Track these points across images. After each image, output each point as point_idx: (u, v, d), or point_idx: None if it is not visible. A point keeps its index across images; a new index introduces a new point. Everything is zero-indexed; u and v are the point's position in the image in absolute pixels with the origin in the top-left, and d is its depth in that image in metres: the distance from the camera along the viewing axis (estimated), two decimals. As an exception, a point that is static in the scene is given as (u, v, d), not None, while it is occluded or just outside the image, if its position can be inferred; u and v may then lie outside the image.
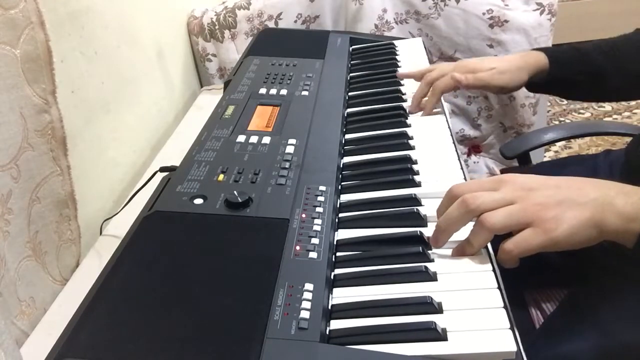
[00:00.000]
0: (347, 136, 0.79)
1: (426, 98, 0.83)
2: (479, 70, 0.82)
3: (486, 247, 0.55)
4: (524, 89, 0.87)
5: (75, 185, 0.74)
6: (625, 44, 0.83)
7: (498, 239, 0.52)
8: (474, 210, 0.52)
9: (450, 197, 0.55)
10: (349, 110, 0.87)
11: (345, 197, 0.66)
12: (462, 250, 0.54)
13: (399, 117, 0.82)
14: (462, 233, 0.54)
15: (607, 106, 2.31)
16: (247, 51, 1.06)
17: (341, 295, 0.52)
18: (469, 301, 0.49)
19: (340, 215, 0.63)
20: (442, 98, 0.85)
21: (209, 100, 1.07)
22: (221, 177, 0.65)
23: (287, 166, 0.67)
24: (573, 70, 0.82)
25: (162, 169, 0.74)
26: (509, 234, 0.52)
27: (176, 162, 0.70)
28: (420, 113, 0.83)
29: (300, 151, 0.70)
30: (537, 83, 0.84)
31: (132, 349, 0.44)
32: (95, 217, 0.83)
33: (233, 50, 1.33)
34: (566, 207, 0.50)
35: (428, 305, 0.48)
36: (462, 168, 0.68)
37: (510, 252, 0.51)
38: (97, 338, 0.46)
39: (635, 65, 0.81)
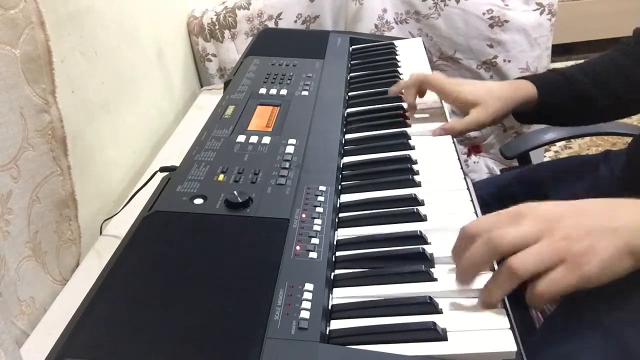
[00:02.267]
0: (347, 136, 0.79)
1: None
2: (462, 99, 0.79)
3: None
4: None
5: (76, 185, 0.74)
6: (606, 64, 0.82)
7: None
8: (502, 251, 0.47)
9: (467, 237, 0.50)
10: (349, 110, 0.87)
11: (345, 197, 0.66)
12: (483, 303, 0.49)
13: (399, 117, 0.82)
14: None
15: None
16: (247, 51, 1.06)
17: (341, 295, 0.52)
18: (469, 301, 0.49)
19: (340, 215, 0.63)
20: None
21: (209, 100, 1.07)
22: (221, 177, 0.65)
23: (287, 166, 0.67)
24: (562, 96, 0.80)
25: (162, 169, 0.74)
26: None
27: (176, 162, 0.70)
28: (420, 114, 0.83)
29: (300, 151, 0.70)
30: (526, 113, 0.83)
31: (132, 349, 0.44)
32: (95, 217, 0.83)
33: (233, 50, 1.33)
34: (597, 236, 0.46)
35: (428, 305, 0.48)
36: (462, 168, 0.68)
37: (542, 296, 0.46)
38: (97, 338, 0.46)
39: (618, 85, 0.80)
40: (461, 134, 0.80)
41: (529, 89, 0.80)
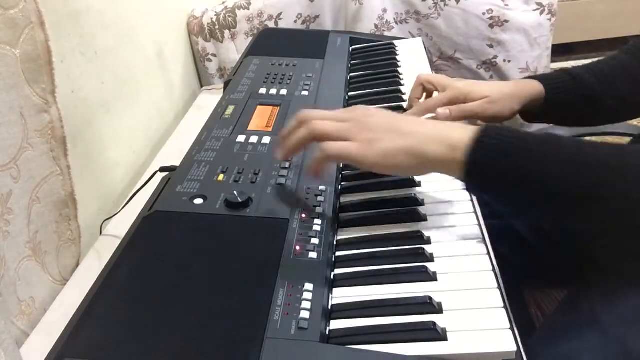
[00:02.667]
0: (347, 136, 0.79)
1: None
2: (469, 98, 0.79)
3: (486, 247, 0.55)
4: None
5: (75, 185, 0.74)
6: (613, 65, 0.82)
7: (522, 268, 0.52)
8: (319, 136, 0.57)
9: (297, 120, 0.59)
10: (349, 110, 0.87)
11: (345, 197, 0.66)
12: (282, 149, 0.60)
13: (399, 117, 0.82)
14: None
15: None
16: (247, 51, 1.06)
17: (341, 295, 0.52)
18: (469, 301, 0.49)
19: (341, 215, 0.63)
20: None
21: (209, 100, 1.07)
22: (221, 177, 0.65)
23: (287, 166, 0.67)
24: (568, 95, 0.80)
25: (162, 169, 0.74)
26: (529, 271, 0.52)
27: (176, 162, 0.70)
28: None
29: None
30: (533, 112, 0.83)
31: (132, 349, 0.44)
32: (95, 217, 0.83)
33: (233, 50, 1.33)
34: (388, 133, 0.55)
35: (428, 306, 0.48)
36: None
37: (324, 151, 0.56)
38: (97, 338, 0.46)
39: (625, 86, 0.80)
40: (459, 119, 0.80)
41: (536, 87, 0.80)
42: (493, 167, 0.51)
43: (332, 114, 0.59)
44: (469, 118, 0.81)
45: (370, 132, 0.55)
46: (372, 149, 0.54)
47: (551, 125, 1.03)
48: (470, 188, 0.58)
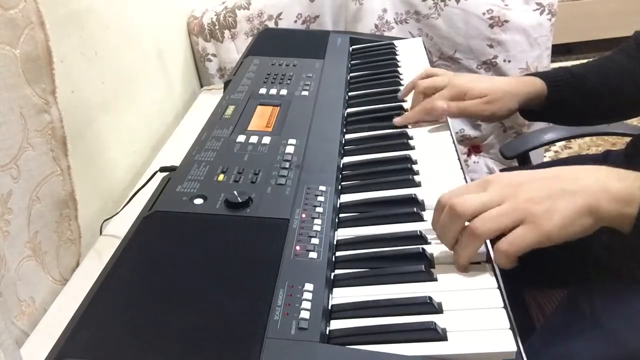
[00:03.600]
0: (347, 136, 0.79)
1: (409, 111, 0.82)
2: (468, 96, 0.78)
3: (486, 247, 0.55)
4: None
5: (76, 185, 0.74)
6: (613, 64, 0.82)
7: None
8: (463, 215, 0.50)
9: (439, 207, 0.54)
10: (349, 110, 0.87)
11: (345, 197, 0.66)
12: (457, 266, 0.53)
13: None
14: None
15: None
16: (247, 51, 1.06)
17: (341, 295, 0.52)
18: (469, 301, 0.49)
19: (340, 215, 0.63)
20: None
21: (209, 100, 1.07)
22: (221, 177, 0.65)
23: (287, 166, 0.67)
24: (570, 93, 0.80)
25: (162, 169, 0.74)
26: (529, 271, 0.51)
27: (176, 162, 0.70)
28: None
29: (300, 151, 0.70)
30: (533, 110, 0.83)
31: (132, 349, 0.44)
32: (95, 217, 0.83)
33: (233, 50, 1.33)
34: (558, 197, 0.49)
35: (428, 306, 0.48)
36: (462, 168, 0.69)
37: (506, 253, 0.49)
38: (97, 338, 0.46)
39: (625, 85, 0.80)
40: (456, 116, 0.80)
41: (537, 85, 0.80)
42: None
43: (480, 199, 0.51)
44: (466, 116, 0.81)
45: (538, 205, 0.49)
46: (551, 223, 0.48)
47: (551, 124, 1.03)
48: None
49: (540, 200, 0.49)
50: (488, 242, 0.55)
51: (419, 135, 0.76)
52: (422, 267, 0.52)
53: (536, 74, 0.82)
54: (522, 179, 0.52)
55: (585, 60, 0.84)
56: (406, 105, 0.85)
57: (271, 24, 1.34)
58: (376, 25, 1.37)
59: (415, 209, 0.60)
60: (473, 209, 0.50)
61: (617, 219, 0.49)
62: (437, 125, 0.79)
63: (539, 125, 1.44)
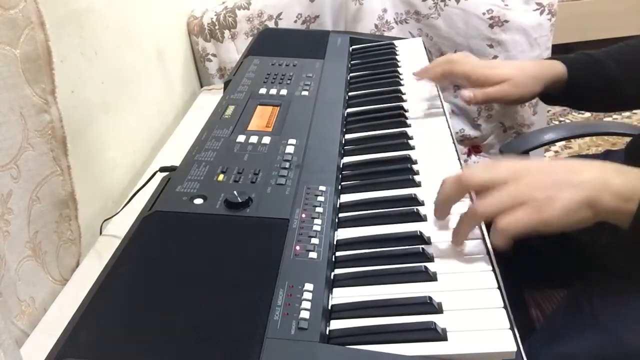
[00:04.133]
0: (347, 136, 0.79)
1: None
2: (491, 81, 0.79)
3: (486, 247, 0.55)
4: None
5: (76, 185, 0.74)
6: (632, 51, 0.82)
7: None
8: (466, 185, 0.53)
9: (443, 184, 0.57)
10: (349, 110, 0.87)
11: (345, 197, 0.66)
12: (454, 241, 0.55)
13: (399, 117, 0.82)
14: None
15: (607, 106, 2.30)
16: (247, 51, 1.06)
17: (341, 295, 0.52)
18: (469, 301, 0.49)
19: (340, 215, 0.63)
20: (442, 98, 0.85)
21: (209, 100, 1.07)
22: (221, 177, 0.65)
23: (287, 166, 0.66)
24: (590, 78, 0.81)
25: (162, 169, 0.74)
26: (529, 271, 0.51)
27: (176, 162, 0.70)
28: (420, 114, 0.83)
29: (300, 151, 0.70)
30: (553, 94, 0.83)
31: (132, 349, 0.44)
32: (95, 217, 0.83)
33: (233, 50, 1.33)
34: (561, 188, 0.50)
35: (428, 305, 0.48)
36: (462, 168, 0.68)
37: (503, 231, 0.50)
38: (97, 338, 0.46)
39: None
40: (482, 102, 0.81)
41: (558, 68, 0.81)
42: None
43: (486, 174, 0.53)
44: (492, 102, 0.82)
45: (542, 191, 0.50)
46: (551, 210, 0.49)
47: (551, 125, 1.03)
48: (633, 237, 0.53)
49: (544, 188, 0.51)
50: (489, 245, 0.55)
51: (419, 135, 0.76)
52: (422, 267, 0.52)
53: (557, 58, 0.82)
54: (530, 165, 0.53)
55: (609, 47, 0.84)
56: (406, 105, 0.85)
57: (271, 24, 1.34)
58: (376, 25, 1.37)
59: (415, 209, 0.60)
60: (478, 181, 0.53)
61: (616, 214, 0.50)
62: (437, 126, 0.79)
63: (539, 125, 1.44)
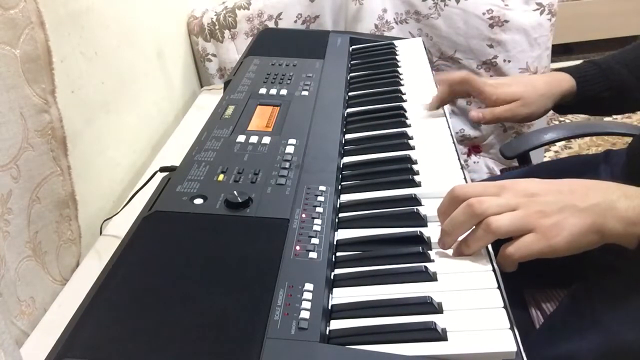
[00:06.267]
0: (347, 136, 0.79)
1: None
2: (499, 101, 0.80)
3: (486, 248, 0.55)
4: None
5: (76, 185, 0.74)
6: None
7: (497, 241, 0.53)
8: (480, 215, 0.52)
9: (452, 199, 0.55)
10: (349, 110, 0.87)
11: (345, 197, 0.66)
12: (460, 252, 0.55)
13: (399, 117, 0.82)
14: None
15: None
16: (247, 51, 1.06)
17: (341, 295, 0.52)
18: (469, 301, 0.49)
19: (340, 215, 0.63)
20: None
21: (209, 100, 1.07)
22: (221, 177, 0.65)
23: (287, 166, 0.67)
24: (600, 88, 0.82)
25: (162, 169, 0.74)
26: (508, 239, 0.52)
27: (176, 162, 0.70)
28: (420, 114, 0.83)
29: (300, 151, 0.70)
30: (565, 106, 0.84)
31: (132, 349, 0.44)
32: (95, 217, 0.83)
33: (233, 50, 1.33)
34: (568, 213, 0.51)
35: (428, 305, 0.48)
36: (462, 168, 0.69)
37: (510, 257, 0.51)
38: (97, 338, 0.46)
39: None
40: (492, 122, 0.82)
41: (568, 82, 0.82)
42: None
43: (497, 202, 0.52)
44: (502, 121, 0.83)
45: (549, 218, 0.51)
46: (558, 237, 0.50)
47: (551, 125, 1.03)
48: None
49: (551, 213, 0.51)
50: (489, 246, 0.56)
51: (419, 135, 0.76)
52: (422, 267, 0.52)
53: (564, 70, 0.83)
54: (537, 189, 0.53)
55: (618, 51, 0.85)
56: (406, 105, 0.85)
57: (271, 24, 1.34)
58: (376, 25, 1.37)
59: (415, 209, 0.60)
60: (491, 212, 0.52)
61: (622, 237, 0.51)
62: (437, 126, 0.79)
63: (539, 125, 1.44)
